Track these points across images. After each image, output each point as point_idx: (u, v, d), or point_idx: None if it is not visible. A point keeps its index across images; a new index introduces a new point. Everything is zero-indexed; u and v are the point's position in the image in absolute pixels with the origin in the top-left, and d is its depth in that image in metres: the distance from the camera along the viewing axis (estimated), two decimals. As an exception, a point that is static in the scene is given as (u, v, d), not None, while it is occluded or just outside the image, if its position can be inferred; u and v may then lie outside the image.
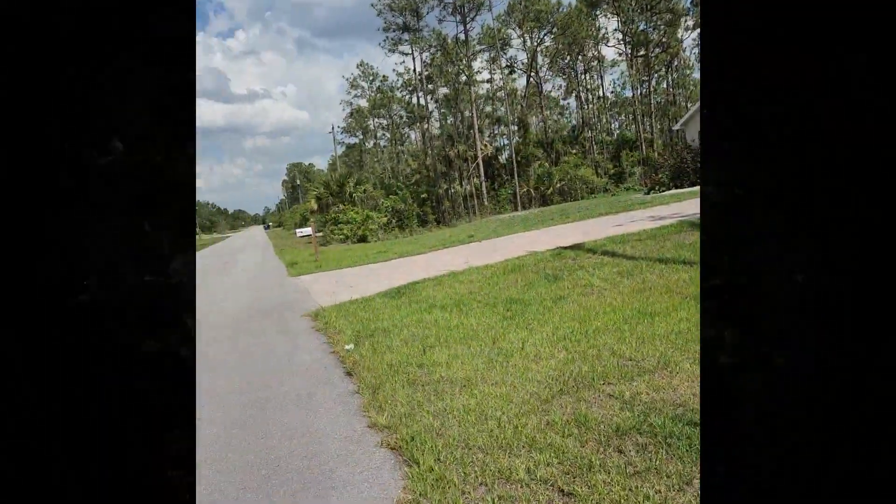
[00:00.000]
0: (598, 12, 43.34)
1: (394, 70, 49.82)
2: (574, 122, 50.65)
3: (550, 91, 48.71)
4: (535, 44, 44.24)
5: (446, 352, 4.89)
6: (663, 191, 24.22)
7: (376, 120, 52.96)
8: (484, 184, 37.07)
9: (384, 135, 53.70)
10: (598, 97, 50.87)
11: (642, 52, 43.72)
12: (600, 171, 40.04)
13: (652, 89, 47.23)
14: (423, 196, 35.78)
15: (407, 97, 46.37)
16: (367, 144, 56.20)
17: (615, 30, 44.43)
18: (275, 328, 7.34)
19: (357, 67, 49.14)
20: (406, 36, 37.78)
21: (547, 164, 40.13)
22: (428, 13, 36.46)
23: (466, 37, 37.11)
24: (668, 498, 2.31)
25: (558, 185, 36.39)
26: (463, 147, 38.40)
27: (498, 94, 42.97)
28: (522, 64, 41.92)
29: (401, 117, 49.52)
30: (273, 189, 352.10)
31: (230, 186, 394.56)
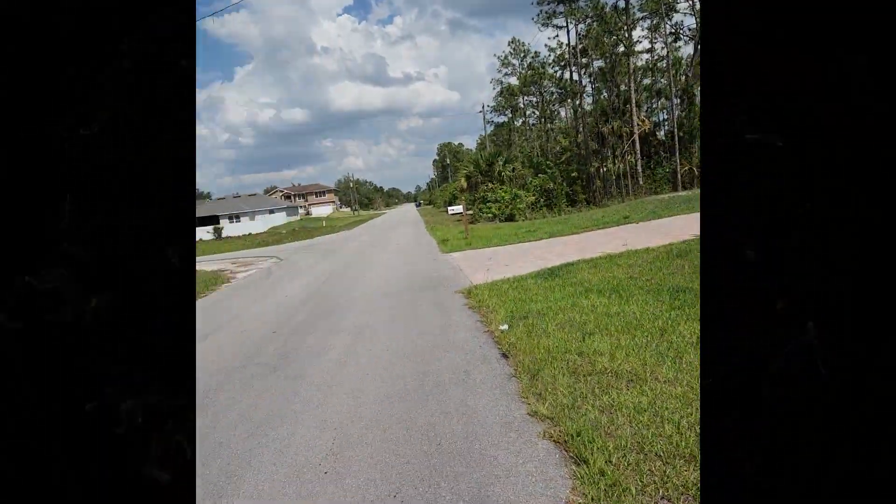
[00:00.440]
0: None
1: (546, 45, 47.96)
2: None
3: (721, 58, 43.46)
4: (707, 6, 39.57)
5: (608, 340, 4.56)
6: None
7: (526, 98, 52.14)
8: (639, 162, 34.71)
9: (533, 112, 52.74)
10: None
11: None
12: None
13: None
14: (573, 175, 34.60)
15: (559, 73, 44.88)
16: (515, 123, 55.66)
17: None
18: (430, 303, 7.50)
19: (508, 45, 48.18)
20: (561, 8, 36.33)
21: (714, 140, 36.06)
22: (586, -19, 34.66)
23: (627, 3, 34.68)
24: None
25: (727, 163, 32.52)
26: (617, 123, 36.22)
27: (659, 64, 39.71)
28: (690, 30, 38.05)
29: (551, 94, 48.15)
30: (424, 168, 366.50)
31: (385, 165, 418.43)
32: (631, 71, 35.93)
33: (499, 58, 49.00)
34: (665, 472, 2.52)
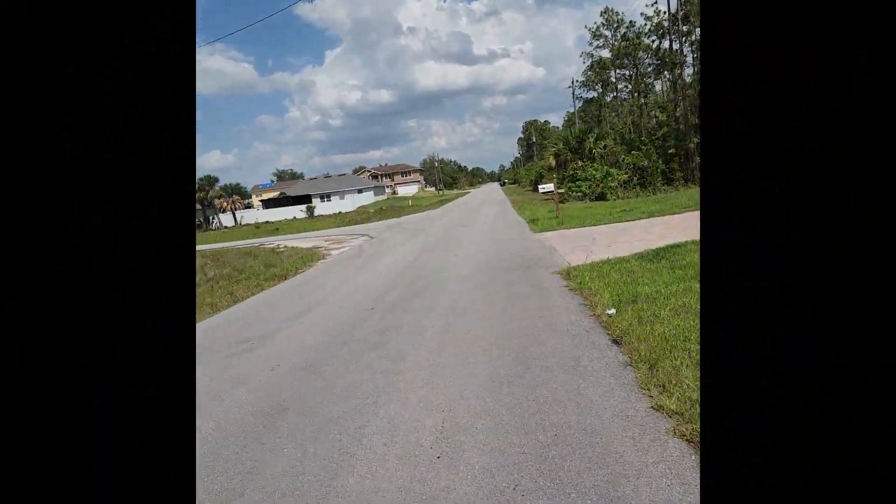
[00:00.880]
0: None
1: (642, 14, 45.25)
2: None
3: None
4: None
5: (735, 330, 4.12)
6: None
7: (618, 71, 49.75)
8: (745, 137, 32.08)
9: (626, 87, 50.25)
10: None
11: None
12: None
13: None
14: (670, 151, 32.56)
15: (655, 43, 42.29)
16: (605, 98, 53.37)
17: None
18: (526, 283, 7.26)
19: (600, 15, 45.90)
20: (660, -28, 34.08)
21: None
22: (688, -58, 32.10)
23: (735, -36, 31.79)
24: None
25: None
26: (721, 95, 33.60)
27: (770, 29, 36.21)
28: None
29: (647, 66, 45.57)
30: (508, 147, 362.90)
31: (469, 145, 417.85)
32: (738, 37, 33.13)
33: (589, 30, 47.03)
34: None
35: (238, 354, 5.77)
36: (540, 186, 20.09)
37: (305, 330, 6.39)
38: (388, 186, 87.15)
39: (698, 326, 4.29)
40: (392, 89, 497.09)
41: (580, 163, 30.11)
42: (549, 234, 12.98)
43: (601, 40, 47.32)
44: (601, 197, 25.78)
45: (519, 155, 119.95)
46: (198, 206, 52.31)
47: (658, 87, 46.34)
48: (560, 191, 21.15)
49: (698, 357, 3.68)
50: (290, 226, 37.90)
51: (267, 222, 47.82)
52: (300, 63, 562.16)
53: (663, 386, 3.36)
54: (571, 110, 47.22)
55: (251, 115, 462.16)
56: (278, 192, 72.41)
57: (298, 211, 52.84)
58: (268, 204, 63.26)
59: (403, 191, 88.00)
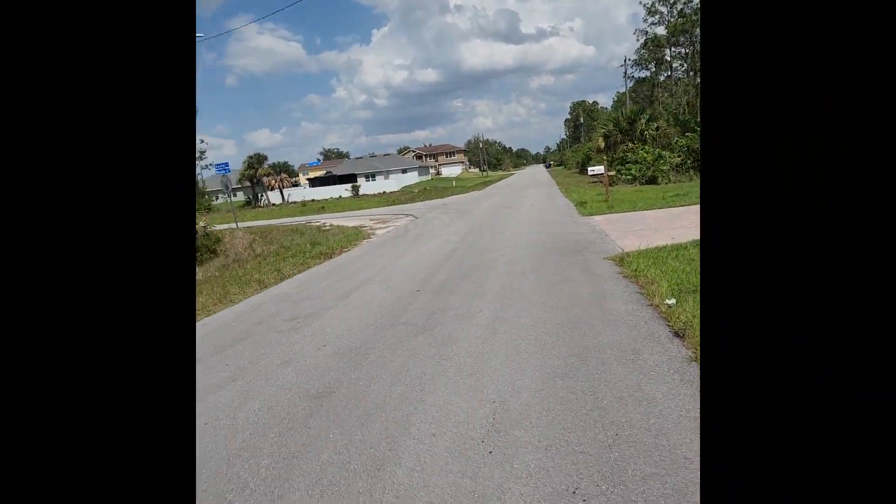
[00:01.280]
0: None
1: (702, -13, 43.05)
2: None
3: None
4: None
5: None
6: None
7: (674, 49, 47.72)
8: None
9: (681, 65, 48.20)
10: None
11: None
12: None
13: None
14: (727, 134, 31.10)
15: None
16: (659, 78, 51.37)
17: None
18: (577, 269, 6.99)
19: (658, -11, 44.08)
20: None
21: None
22: None
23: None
24: None
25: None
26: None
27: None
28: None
29: (705, 43, 43.46)
30: (554, 128, 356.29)
31: (514, 125, 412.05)
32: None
33: (644, 5, 45.21)
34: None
35: (286, 332, 5.77)
36: (589, 169, 19.51)
37: (352, 310, 6.34)
38: (432, 167, 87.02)
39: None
40: (438, 69, 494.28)
41: (630, 145, 29.10)
42: (598, 217, 12.55)
43: (656, 17, 45.54)
44: (652, 181, 24.88)
45: (565, 136, 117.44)
46: (247, 184, 53.65)
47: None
48: (610, 173, 20.49)
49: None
50: (336, 204, 38.33)
51: (313, 200, 48.57)
52: (347, 42, 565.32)
53: (735, 386, 3.09)
54: (621, 90, 45.64)
55: (300, 94, 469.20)
56: (324, 171, 73.40)
57: (344, 190, 53.41)
58: (314, 182, 64.21)
59: (447, 171, 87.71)
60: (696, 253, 6.89)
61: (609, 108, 70.07)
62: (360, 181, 58.38)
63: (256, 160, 52.99)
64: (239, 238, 18.17)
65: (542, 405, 3.26)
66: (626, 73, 44.83)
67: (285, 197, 52.12)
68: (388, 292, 7.07)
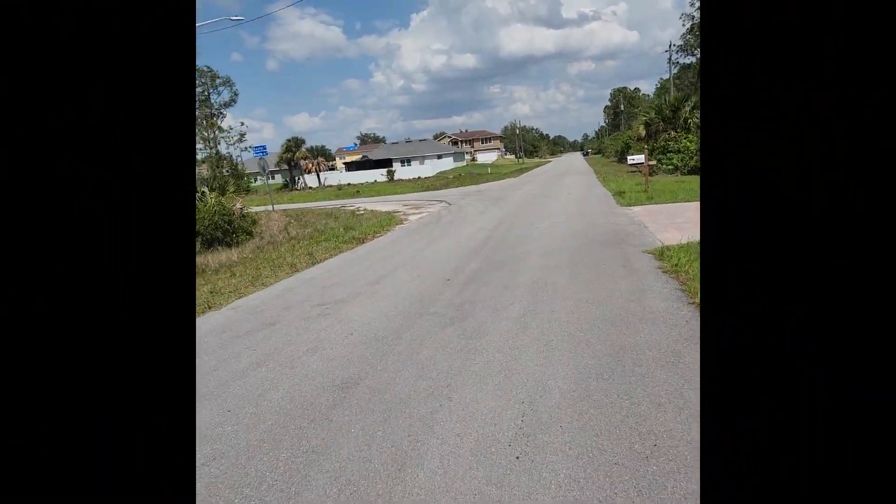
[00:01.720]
0: None
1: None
2: None
3: None
4: None
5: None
6: None
7: (722, 33, 45.85)
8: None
9: (730, 50, 46.30)
10: None
11: None
12: None
13: None
14: (776, 123, 29.80)
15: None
16: (705, 63, 49.46)
17: None
18: (615, 262, 6.72)
19: (707, -29, 42.26)
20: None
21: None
22: None
23: None
24: None
25: None
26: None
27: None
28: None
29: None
30: (593, 115, 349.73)
31: (552, 112, 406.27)
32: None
33: (693, -13, 43.45)
34: None
35: (314, 318, 5.72)
36: (628, 157, 18.91)
37: (381, 298, 6.24)
38: (467, 153, 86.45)
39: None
40: (476, 54, 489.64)
41: (673, 133, 28.12)
42: (637, 208, 12.13)
43: (706, -1, 43.90)
44: (694, 171, 24.02)
45: (605, 124, 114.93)
46: (284, 167, 54.40)
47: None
48: (651, 163, 19.84)
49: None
50: (371, 189, 38.48)
51: (349, 184, 48.90)
52: (386, 26, 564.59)
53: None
54: (665, 77, 44.14)
55: (338, 78, 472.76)
56: (361, 156, 73.79)
57: (379, 174, 53.60)
58: (350, 167, 64.68)
59: (483, 158, 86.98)
60: (742, 249, 6.54)
61: (651, 95, 68.04)
62: (396, 166, 58.49)
63: (294, 143, 53.63)
64: (275, 220, 18.38)
65: (574, 408, 3.08)
66: (670, 58, 43.29)
67: (322, 180, 52.63)
68: (418, 281, 6.95)
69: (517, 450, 2.71)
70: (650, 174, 18.97)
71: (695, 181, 18.62)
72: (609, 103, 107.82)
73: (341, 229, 13.90)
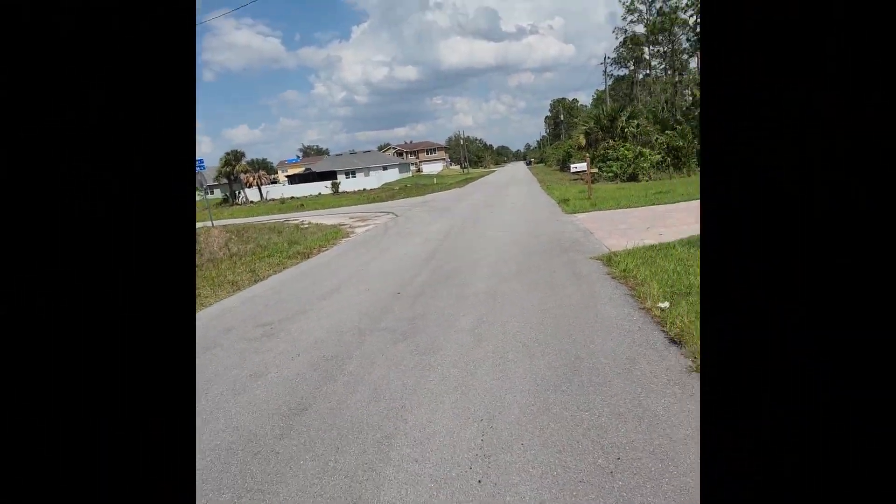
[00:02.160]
0: None
1: (679, -14, 43.52)
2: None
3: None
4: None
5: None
6: None
7: (653, 47, 48.03)
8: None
9: (660, 63, 48.53)
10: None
11: None
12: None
13: None
14: (706, 131, 31.29)
15: (692, 18, 40.59)
16: (638, 76, 51.65)
17: None
18: (565, 270, 6.74)
19: (637, -11, 44.25)
20: (701, -59, 32.32)
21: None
22: None
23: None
24: None
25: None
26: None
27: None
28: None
29: (684, 41, 43.86)
30: (534, 126, 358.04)
31: (494, 123, 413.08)
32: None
33: (623, 4, 45.38)
34: None
35: (258, 339, 5.42)
36: (572, 166, 19.33)
37: (328, 315, 6.00)
38: (412, 164, 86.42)
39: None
40: (418, 66, 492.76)
41: (611, 142, 29.08)
42: (581, 215, 12.36)
43: (635, 15, 45.85)
44: (633, 178, 24.91)
45: (546, 134, 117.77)
46: (224, 181, 52.58)
47: (694, 63, 44.81)
48: (593, 170, 20.36)
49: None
50: (315, 202, 37.69)
51: (292, 198, 47.75)
52: (327, 38, 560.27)
53: (742, 401, 2.86)
54: (601, 88, 45.68)
55: (278, 90, 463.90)
56: (304, 168, 72.37)
57: (324, 187, 52.64)
58: (293, 179, 63.22)
59: (428, 168, 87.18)
60: (684, 252, 6.70)
61: (589, 105, 70.32)
62: (340, 178, 57.71)
63: (234, 157, 51.93)
64: (214, 237, 17.63)
65: (534, 423, 2.98)
66: (605, 70, 44.92)
67: (264, 194, 51.19)
68: (368, 295, 6.74)
69: (478, 473, 2.58)
70: (592, 181, 19.45)
71: (633, 188, 19.25)
72: (549, 113, 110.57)
73: (285, 244, 13.46)
